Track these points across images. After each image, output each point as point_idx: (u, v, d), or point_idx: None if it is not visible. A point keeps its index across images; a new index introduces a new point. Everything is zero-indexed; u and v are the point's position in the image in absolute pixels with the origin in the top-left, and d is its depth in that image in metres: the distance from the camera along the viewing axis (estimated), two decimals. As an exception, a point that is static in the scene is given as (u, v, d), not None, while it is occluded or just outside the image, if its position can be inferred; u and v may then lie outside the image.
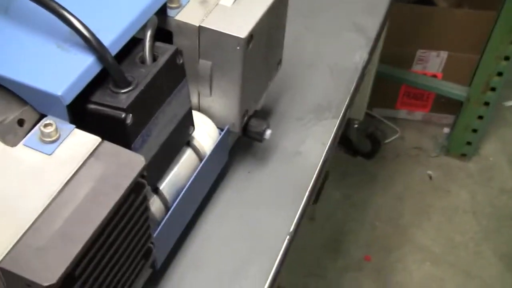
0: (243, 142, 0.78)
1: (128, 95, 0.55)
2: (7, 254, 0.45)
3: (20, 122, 0.53)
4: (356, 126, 1.86)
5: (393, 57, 1.86)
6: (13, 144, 0.52)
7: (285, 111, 0.83)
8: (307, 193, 0.74)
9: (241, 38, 0.62)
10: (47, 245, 0.46)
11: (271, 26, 0.68)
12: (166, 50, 0.59)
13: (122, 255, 0.53)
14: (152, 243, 0.58)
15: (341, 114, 0.82)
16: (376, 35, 0.93)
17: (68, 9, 0.53)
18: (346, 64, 0.90)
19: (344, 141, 1.92)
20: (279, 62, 0.76)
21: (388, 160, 1.99)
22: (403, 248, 1.77)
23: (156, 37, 0.61)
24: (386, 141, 2.02)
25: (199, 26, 0.63)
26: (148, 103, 0.57)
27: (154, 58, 0.58)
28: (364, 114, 1.85)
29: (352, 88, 0.86)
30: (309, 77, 0.88)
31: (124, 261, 0.54)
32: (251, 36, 0.63)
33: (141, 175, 0.51)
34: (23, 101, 0.54)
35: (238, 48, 0.63)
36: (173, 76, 0.60)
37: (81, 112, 0.55)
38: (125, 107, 0.54)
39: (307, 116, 0.83)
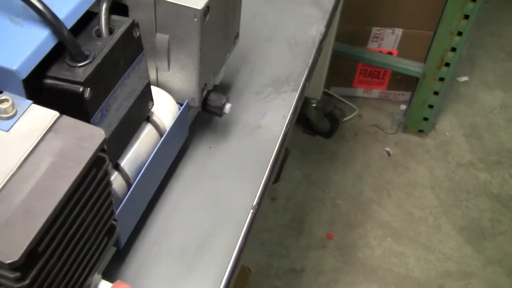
0: (203, 117, 0.78)
1: (85, 69, 0.54)
2: (-34, 231, 0.44)
3: (-25, 99, 0.52)
4: (314, 105, 1.87)
5: (348, 35, 1.87)
6: (-32, 121, 0.51)
7: (244, 85, 0.83)
8: (269, 166, 0.74)
9: (197, 9, 0.62)
10: (8, 222, 0.45)
11: (228, -1, 0.68)
12: (122, 23, 0.58)
13: (86, 231, 0.52)
14: (115, 220, 0.58)
15: (300, 87, 0.83)
16: (332, 8, 0.93)
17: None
18: (303, 38, 0.90)
19: (303, 121, 1.93)
20: (237, 35, 0.76)
21: (346, 138, 2.01)
22: (364, 225, 1.80)
23: (112, 11, 0.60)
24: (344, 119, 2.04)
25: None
26: (106, 77, 0.56)
27: (111, 32, 0.58)
28: (322, 93, 1.86)
29: (310, 61, 0.86)
30: (267, 51, 0.88)
31: (88, 237, 0.53)
32: (207, 7, 0.63)
33: (101, 148, 0.51)
34: (-24, 78, 0.53)
35: (195, 19, 0.63)
36: (130, 49, 0.59)
37: (38, 87, 0.54)
38: (82, 80, 0.53)
39: (266, 89, 0.83)
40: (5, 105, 0.51)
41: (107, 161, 0.53)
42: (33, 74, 0.53)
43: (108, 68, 0.56)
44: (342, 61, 1.93)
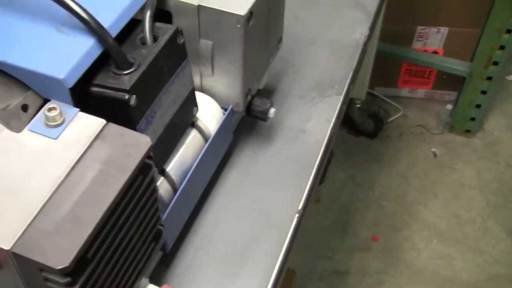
0: (247, 122, 0.78)
1: (131, 76, 0.54)
2: (18, 239, 0.45)
3: (24, 108, 0.53)
4: (358, 106, 1.86)
5: (393, 35, 1.85)
6: (18, 129, 0.52)
7: (288, 89, 0.83)
8: (314, 170, 0.74)
9: (241, 15, 0.62)
10: (58, 229, 0.46)
11: (270, 3, 0.68)
12: (166, 30, 0.59)
13: (133, 237, 0.53)
14: (161, 225, 0.58)
15: (344, 91, 0.82)
16: (376, 10, 0.93)
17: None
18: (347, 41, 0.89)
19: (347, 121, 1.92)
20: (280, 40, 0.76)
21: (391, 139, 1.99)
22: (410, 227, 1.78)
23: (155, 18, 0.61)
24: (389, 120, 2.02)
25: (198, 5, 0.63)
26: (151, 84, 0.57)
27: (155, 39, 0.58)
28: (366, 94, 1.85)
29: (354, 64, 0.86)
30: (310, 55, 0.88)
31: (135, 243, 0.54)
32: (251, 13, 0.63)
33: (147, 155, 0.51)
34: (25, 87, 0.54)
35: (238, 25, 0.63)
36: (174, 56, 0.60)
37: (85, 95, 0.55)
38: (128, 88, 0.54)
39: (310, 93, 0.83)
40: (53, 113, 0.52)
41: (153, 168, 0.53)
42: (79, 83, 0.53)
43: (153, 75, 0.57)
44: (387, 61, 1.90)
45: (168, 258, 0.67)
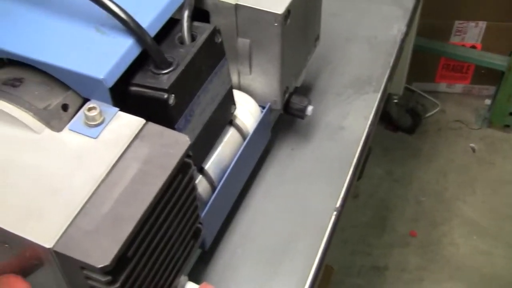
0: (285, 119, 0.77)
1: (169, 76, 0.54)
2: (60, 237, 0.45)
3: (64, 107, 0.54)
4: (395, 101, 1.84)
5: (430, 30, 1.82)
6: (59, 129, 0.52)
7: (326, 87, 0.82)
8: (352, 168, 0.73)
9: (278, 13, 0.61)
10: (98, 227, 0.46)
11: (308, 2, 0.67)
12: (204, 29, 0.58)
13: (172, 236, 0.53)
14: (200, 223, 0.58)
15: (382, 88, 0.81)
16: (413, 6, 0.91)
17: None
18: (384, 37, 0.88)
19: (385, 117, 1.90)
20: (317, 37, 0.75)
21: (429, 134, 1.96)
22: (449, 222, 1.75)
23: (193, 18, 0.60)
24: (427, 115, 1.99)
25: (236, 4, 0.62)
26: (189, 83, 0.57)
27: (193, 38, 0.58)
28: (404, 89, 1.82)
29: (392, 61, 0.84)
30: (347, 52, 0.87)
31: (174, 241, 0.53)
32: (288, 11, 0.62)
33: (186, 154, 0.51)
34: (66, 86, 0.54)
35: (276, 24, 0.62)
36: (212, 55, 0.59)
37: (124, 95, 0.55)
38: (167, 87, 0.53)
39: (348, 90, 0.82)
40: (93, 113, 0.52)
41: (192, 167, 0.53)
42: (118, 82, 0.53)
43: (191, 74, 0.56)
44: (424, 56, 1.88)
45: (206, 256, 0.66)
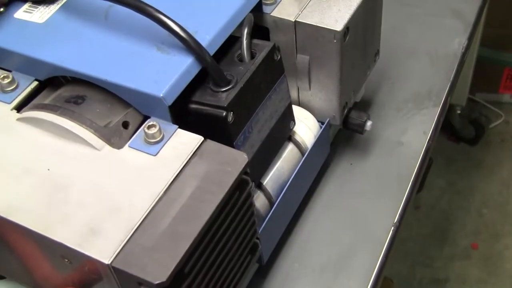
0: (344, 135, 0.76)
1: (228, 93, 0.54)
2: (118, 253, 0.45)
3: (125, 125, 0.54)
4: (458, 112, 1.79)
5: (495, 40, 1.76)
6: (119, 146, 0.52)
7: (385, 101, 0.80)
8: (410, 183, 0.71)
9: (337, 31, 0.60)
10: (156, 244, 0.46)
11: (367, 17, 0.66)
12: (263, 47, 0.58)
13: (229, 251, 0.52)
14: (258, 238, 0.57)
15: (442, 102, 0.79)
16: (475, 19, 0.88)
17: (164, 12, 0.53)
18: (445, 51, 0.85)
19: (447, 128, 1.85)
20: (377, 52, 0.73)
21: (493, 145, 1.89)
22: (511, 235, 1.68)
23: (253, 35, 0.60)
24: (490, 126, 1.92)
25: (295, 21, 0.61)
26: (248, 100, 0.56)
27: (252, 56, 0.57)
28: (467, 100, 1.77)
29: (452, 75, 0.82)
30: (407, 66, 0.85)
31: (232, 257, 0.53)
32: (347, 28, 0.61)
33: (244, 172, 0.50)
34: (126, 104, 0.55)
35: (335, 41, 0.61)
36: (271, 72, 0.59)
37: (183, 112, 0.55)
38: (225, 105, 0.53)
39: (407, 105, 0.79)
40: (153, 131, 0.52)
41: (250, 184, 0.52)
42: (178, 100, 0.53)
43: (250, 92, 0.56)
44: (488, 67, 1.82)
45: (264, 270, 0.66)
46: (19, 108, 0.57)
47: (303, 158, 0.65)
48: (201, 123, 0.54)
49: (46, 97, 0.57)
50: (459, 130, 1.86)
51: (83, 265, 0.47)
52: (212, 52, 0.55)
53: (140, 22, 0.55)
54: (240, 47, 0.57)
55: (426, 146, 0.74)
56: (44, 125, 0.54)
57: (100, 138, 0.53)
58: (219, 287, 0.52)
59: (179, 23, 0.53)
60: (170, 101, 0.52)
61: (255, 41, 0.58)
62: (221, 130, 0.54)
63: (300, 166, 0.64)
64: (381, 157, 0.74)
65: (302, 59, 0.64)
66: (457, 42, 0.86)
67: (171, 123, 0.53)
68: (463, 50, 0.85)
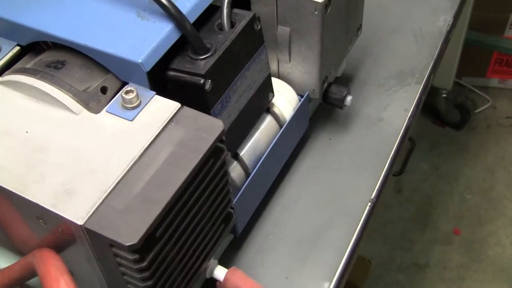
0: (324, 109, 0.78)
1: (207, 61, 0.55)
2: (91, 215, 0.47)
3: (103, 90, 0.55)
4: (444, 95, 1.81)
5: (483, 23, 1.78)
6: (97, 111, 0.54)
7: (367, 78, 0.82)
8: (389, 160, 0.73)
9: (318, 2, 0.62)
10: (129, 207, 0.47)
11: (350, -9, 0.67)
12: (243, 16, 0.59)
13: (202, 219, 0.54)
14: (232, 208, 0.59)
15: (424, 80, 0.80)
16: (462, -1, 0.90)
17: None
18: (430, 29, 0.87)
19: (432, 112, 1.87)
20: (359, 27, 0.75)
21: (478, 130, 1.93)
22: (495, 222, 1.72)
23: (234, 5, 0.61)
24: (476, 110, 1.96)
25: (277, -8, 0.63)
26: (227, 69, 0.57)
27: (232, 25, 0.59)
28: (453, 83, 1.80)
29: (436, 53, 0.83)
30: (391, 43, 0.87)
31: (204, 224, 0.55)
32: (329, 0, 0.62)
33: (220, 139, 0.52)
34: (105, 69, 0.56)
35: (316, 12, 0.62)
36: (251, 42, 0.60)
37: (162, 79, 0.56)
38: (203, 72, 0.54)
39: (389, 82, 0.81)
40: (130, 96, 0.53)
41: (225, 152, 0.54)
42: (157, 66, 0.54)
43: (229, 60, 0.57)
44: (476, 50, 1.84)
45: (238, 242, 0.67)
46: (0, 72, 0.58)
47: (281, 131, 0.67)
48: (180, 90, 0.56)
49: (28, 62, 0.59)
50: (444, 114, 1.88)
51: (58, 226, 0.49)
52: (192, 19, 0.57)
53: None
54: (221, 16, 0.59)
55: (406, 123, 0.76)
56: (24, 89, 0.55)
57: (78, 102, 0.54)
58: (191, 254, 0.54)
59: None
60: (148, 67, 0.53)
61: (236, 10, 0.60)
62: (199, 97, 0.55)
63: (278, 138, 0.66)
64: (361, 133, 0.76)
65: (283, 30, 0.65)
66: (443, 20, 0.88)
67: (148, 89, 0.55)
68: (448, 28, 0.87)
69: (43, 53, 0.59)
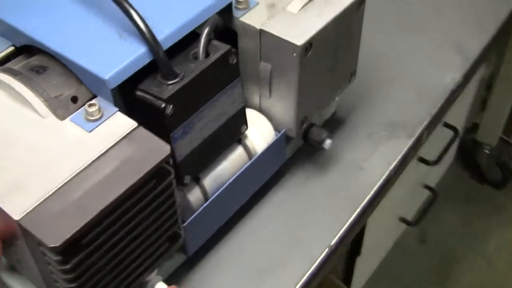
0: (307, 149, 0.81)
1: (172, 87, 0.60)
2: (28, 213, 0.52)
3: (74, 99, 0.61)
4: (487, 152, 1.80)
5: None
6: (62, 118, 0.59)
7: (357, 124, 0.85)
8: (358, 210, 0.76)
9: (297, 45, 0.65)
10: (60, 212, 0.52)
11: (339, 36, 0.71)
12: (219, 49, 0.63)
13: (140, 234, 0.58)
14: (180, 228, 0.63)
15: (416, 136, 0.83)
16: (477, 56, 0.91)
17: (136, 2, 0.59)
18: (434, 84, 0.89)
19: (472, 166, 1.86)
20: (353, 73, 0.78)
21: (519, 192, 1.90)
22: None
23: (222, 36, 0.66)
24: (520, 172, 1.93)
25: (260, 29, 0.67)
26: (193, 97, 0.62)
27: (207, 55, 0.63)
28: (498, 140, 1.78)
29: (435, 112, 0.85)
30: (390, 92, 0.89)
31: (143, 240, 0.59)
32: (310, 44, 0.66)
33: (165, 162, 0.56)
34: (80, 80, 0.61)
35: (294, 54, 0.66)
36: (224, 74, 0.64)
37: (130, 96, 0.61)
38: (165, 97, 0.59)
39: (379, 132, 0.84)
40: (92, 109, 0.58)
41: (171, 175, 0.58)
42: (126, 84, 0.59)
43: (196, 89, 0.62)
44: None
45: (193, 261, 0.72)
46: (-10, 69, 0.65)
47: (248, 164, 0.70)
48: (145, 111, 0.61)
49: (19, 63, 0.65)
50: (485, 171, 1.87)
51: (2, 219, 0.54)
52: (167, 45, 0.61)
53: (114, 7, 0.61)
54: (197, 46, 0.63)
55: (386, 177, 0.79)
56: (3, 87, 0.62)
57: (47, 107, 0.60)
58: (125, 266, 0.59)
59: (144, 13, 0.59)
60: (113, 85, 0.59)
61: (215, 42, 0.64)
62: (160, 120, 0.60)
63: (243, 170, 0.70)
64: (338, 178, 0.79)
65: (265, 66, 0.69)
66: (450, 78, 0.90)
67: (112, 105, 0.60)
68: (454, 87, 0.88)
69: (33, 57, 0.65)
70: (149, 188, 0.57)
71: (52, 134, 0.58)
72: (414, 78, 0.90)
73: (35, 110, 0.60)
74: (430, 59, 0.93)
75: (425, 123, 0.84)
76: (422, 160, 1.23)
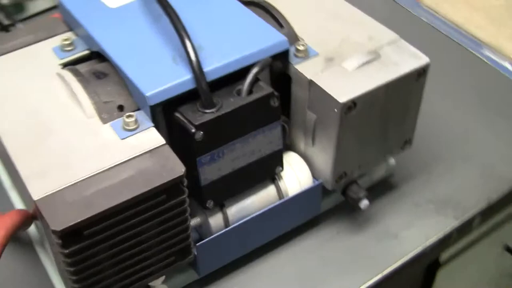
0: (349, 207, 0.82)
1: (206, 116, 0.66)
2: (46, 196, 0.61)
3: (120, 108, 0.69)
4: None
5: None
6: (105, 121, 0.68)
7: (408, 192, 0.86)
8: (377, 278, 0.77)
9: (339, 102, 0.69)
10: (73, 203, 0.60)
11: (392, 102, 0.73)
12: (261, 90, 0.69)
13: (144, 241, 0.65)
14: (191, 246, 0.69)
15: (465, 219, 0.82)
16: None
17: (195, 30, 0.68)
18: (503, 170, 0.88)
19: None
20: (407, 141, 0.80)
21: None
22: None
23: (279, 79, 0.72)
24: None
25: (310, 80, 0.71)
26: (226, 129, 0.68)
27: (250, 94, 0.69)
28: None
29: (494, 200, 0.84)
30: (452, 168, 0.89)
31: (147, 248, 0.66)
32: (353, 103, 0.70)
33: (178, 181, 0.63)
34: (130, 93, 0.70)
35: (335, 110, 0.70)
36: (264, 115, 0.70)
37: (170, 116, 0.68)
38: (196, 123, 0.65)
39: (427, 205, 0.84)
40: (129, 119, 0.67)
41: (184, 194, 0.64)
42: (168, 104, 0.67)
43: (231, 122, 0.67)
44: None
45: (204, 282, 0.77)
46: (66, 65, 0.76)
47: (276, 203, 0.75)
48: (179, 132, 0.68)
49: (87, 66, 0.75)
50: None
51: (30, 199, 0.63)
52: (214, 77, 0.68)
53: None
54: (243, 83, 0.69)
55: (419, 251, 0.79)
56: (64, 82, 0.71)
57: (94, 110, 0.69)
58: (124, 266, 0.65)
59: (202, 42, 0.69)
60: (152, 102, 0.66)
61: (261, 83, 0.70)
62: (189, 143, 0.67)
63: (268, 208, 0.74)
64: (368, 239, 0.81)
65: (310, 116, 0.74)
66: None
67: (149, 120, 0.67)
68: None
69: (101, 63, 0.74)
70: (158, 201, 0.63)
71: (89, 134, 0.67)
72: (485, 157, 0.89)
73: (82, 110, 0.69)
74: (507, 142, 0.92)
75: (477, 210, 0.83)
76: (510, 250, 1.19)
